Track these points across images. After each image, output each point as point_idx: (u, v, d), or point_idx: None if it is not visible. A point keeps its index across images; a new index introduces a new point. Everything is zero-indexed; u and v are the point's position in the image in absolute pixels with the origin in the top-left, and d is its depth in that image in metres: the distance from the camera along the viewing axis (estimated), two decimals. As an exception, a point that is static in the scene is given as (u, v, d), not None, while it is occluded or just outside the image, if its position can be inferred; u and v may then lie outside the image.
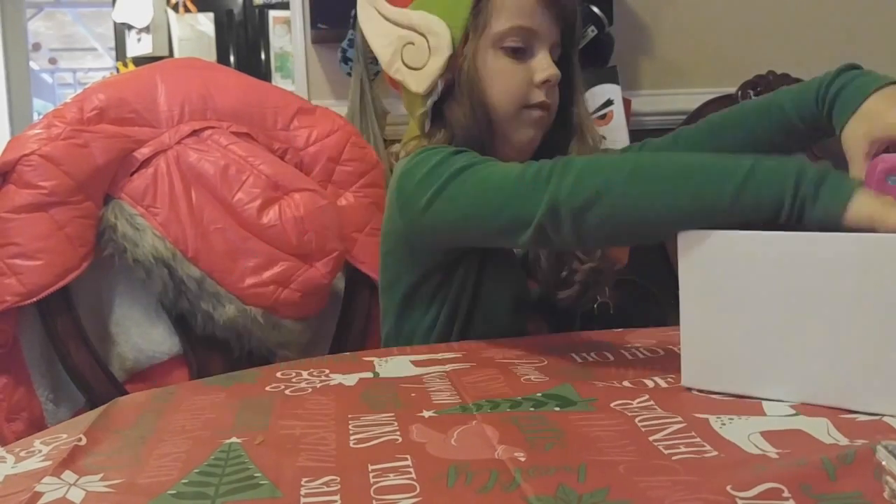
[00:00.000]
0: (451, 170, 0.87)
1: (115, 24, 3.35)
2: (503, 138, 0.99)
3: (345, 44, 1.73)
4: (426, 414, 0.66)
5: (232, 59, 3.27)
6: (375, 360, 0.86)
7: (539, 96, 0.97)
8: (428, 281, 0.98)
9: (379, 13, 1.00)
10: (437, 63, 0.96)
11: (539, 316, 1.03)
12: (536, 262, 1.01)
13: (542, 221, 0.77)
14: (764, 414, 0.63)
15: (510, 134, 0.99)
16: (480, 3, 0.96)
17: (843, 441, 0.56)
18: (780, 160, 0.69)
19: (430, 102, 0.99)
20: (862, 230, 0.63)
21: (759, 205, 0.68)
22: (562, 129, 1.03)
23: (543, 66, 0.96)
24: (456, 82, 0.97)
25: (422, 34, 0.97)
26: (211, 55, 3.21)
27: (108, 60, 6.23)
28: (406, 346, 0.97)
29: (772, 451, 0.55)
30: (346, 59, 1.73)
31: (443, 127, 0.99)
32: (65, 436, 0.65)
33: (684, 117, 1.84)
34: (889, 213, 0.63)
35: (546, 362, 0.82)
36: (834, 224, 0.65)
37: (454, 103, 0.98)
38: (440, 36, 0.96)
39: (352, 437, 0.62)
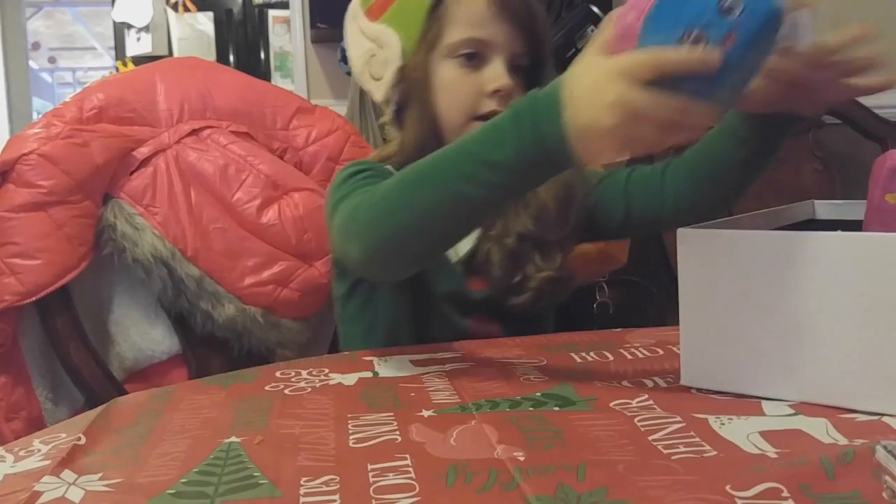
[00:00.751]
0: (333, 201, 0.89)
1: (114, 23, 3.36)
2: None
3: (344, 43, 1.73)
4: (425, 413, 0.67)
5: (231, 58, 3.27)
6: (374, 359, 0.86)
7: (489, 106, 0.94)
8: (359, 287, 1.00)
9: (358, 27, 1.03)
10: (390, 73, 0.98)
11: (487, 317, 1.01)
12: (487, 264, 0.99)
13: (374, 276, 0.81)
14: (763, 414, 0.63)
15: None
16: (434, 14, 0.95)
17: (843, 441, 0.56)
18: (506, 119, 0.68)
19: (389, 111, 1.01)
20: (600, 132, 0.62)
21: (513, 164, 0.67)
22: None
23: (495, 75, 0.94)
24: (409, 92, 0.98)
25: (380, 46, 0.99)
26: (210, 54, 3.21)
27: (108, 60, 6.23)
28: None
29: (771, 451, 0.55)
30: (345, 59, 1.73)
31: (401, 134, 1.01)
32: (64, 435, 0.65)
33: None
34: (601, 106, 0.61)
35: (545, 362, 0.82)
36: (569, 149, 0.63)
37: (407, 113, 0.99)
38: (392, 48, 0.97)
39: (351, 437, 0.62)
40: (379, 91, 1.00)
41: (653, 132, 0.61)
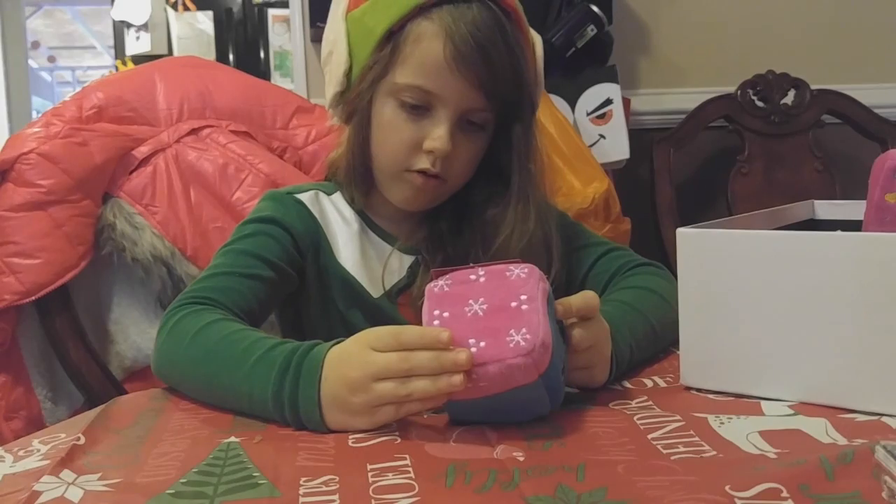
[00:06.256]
0: (220, 250, 0.89)
1: (114, 22, 3.35)
2: (381, 189, 0.92)
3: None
4: (425, 413, 0.66)
5: (231, 57, 3.26)
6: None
7: (422, 163, 0.86)
8: (283, 312, 0.97)
9: (339, 10, 0.92)
10: (331, 91, 0.91)
11: None
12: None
13: None
14: (762, 413, 0.63)
15: (385, 189, 0.91)
16: (387, 47, 0.85)
17: (842, 441, 0.56)
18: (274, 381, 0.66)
19: (334, 119, 0.94)
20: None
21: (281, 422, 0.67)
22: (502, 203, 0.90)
23: (436, 133, 0.84)
24: (349, 116, 0.91)
25: (332, 52, 0.91)
26: (210, 53, 3.20)
27: (107, 59, 6.22)
28: None
29: (770, 451, 0.55)
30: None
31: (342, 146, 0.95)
32: (63, 435, 0.65)
33: (683, 116, 1.84)
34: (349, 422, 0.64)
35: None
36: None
37: (347, 131, 0.92)
38: (338, 67, 0.89)
39: (350, 437, 0.62)
40: (327, 92, 0.92)
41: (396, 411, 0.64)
